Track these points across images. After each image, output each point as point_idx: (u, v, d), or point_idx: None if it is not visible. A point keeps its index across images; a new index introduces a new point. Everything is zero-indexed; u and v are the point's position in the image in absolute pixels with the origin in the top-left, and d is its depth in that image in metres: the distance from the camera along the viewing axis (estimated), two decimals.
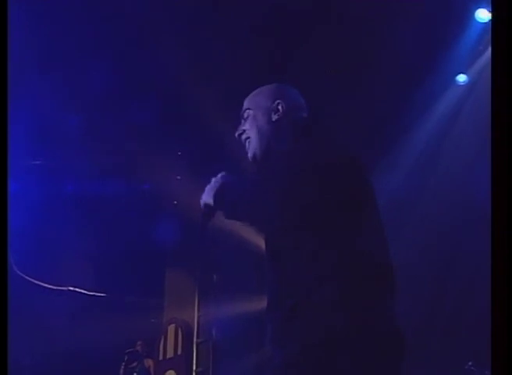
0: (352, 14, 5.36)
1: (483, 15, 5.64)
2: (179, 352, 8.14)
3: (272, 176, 2.13)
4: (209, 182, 2.35)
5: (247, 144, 2.41)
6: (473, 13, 5.68)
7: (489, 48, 5.65)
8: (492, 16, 2.22)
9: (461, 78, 6.28)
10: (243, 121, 2.47)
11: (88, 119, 6.21)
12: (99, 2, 5.13)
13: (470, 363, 5.04)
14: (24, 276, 6.45)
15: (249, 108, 2.45)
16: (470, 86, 6.22)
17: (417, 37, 5.49)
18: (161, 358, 8.19)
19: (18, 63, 4.29)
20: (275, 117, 2.39)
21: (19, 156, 5.72)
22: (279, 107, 2.40)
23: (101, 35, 5.36)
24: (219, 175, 2.37)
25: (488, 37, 5.41)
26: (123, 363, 7.57)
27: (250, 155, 2.37)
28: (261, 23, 5.37)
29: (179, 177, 6.94)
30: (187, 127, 6.42)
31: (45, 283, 6.75)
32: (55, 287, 6.80)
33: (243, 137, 2.43)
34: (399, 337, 2.04)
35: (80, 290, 6.96)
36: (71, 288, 6.84)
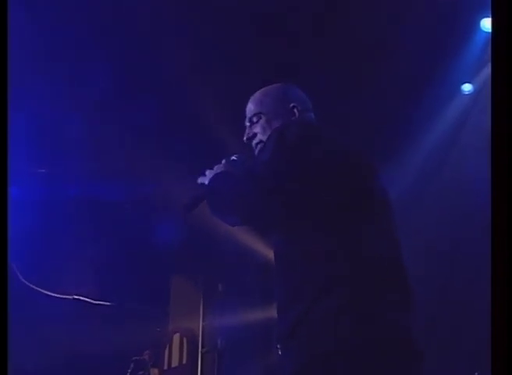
0: (355, 23, 5.37)
1: (489, 24, 5.64)
2: (184, 361, 8.12)
3: (280, 177, 2.08)
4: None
5: (258, 147, 2.38)
6: (478, 22, 5.69)
7: None
8: (492, 25, 2.21)
9: (466, 87, 6.28)
10: (249, 124, 2.43)
11: (90, 122, 6.22)
12: (100, 2, 5.15)
13: (476, 374, 5.00)
14: (28, 283, 6.44)
15: (260, 113, 2.40)
16: (475, 95, 6.22)
17: (421, 46, 5.50)
18: (165, 367, 8.17)
19: (18, 66, 4.30)
20: (287, 122, 2.35)
21: (20, 161, 5.73)
22: (295, 110, 2.37)
23: (103, 36, 5.37)
24: (223, 162, 2.33)
25: None
26: (129, 371, 7.56)
27: (263, 158, 2.30)
28: (262, 21, 5.37)
29: (183, 181, 6.93)
30: (190, 129, 6.42)
31: (49, 291, 6.74)
32: (59, 296, 6.79)
33: (255, 141, 2.40)
34: (414, 348, 1.99)
35: (84, 298, 6.94)
36: (76, 297, 6.83)
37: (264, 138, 2.35)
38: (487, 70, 5.94)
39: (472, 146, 6.05)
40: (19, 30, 4.49)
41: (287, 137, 2.19)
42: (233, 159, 2.37)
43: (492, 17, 2.21)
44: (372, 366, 1.89)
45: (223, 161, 2.35)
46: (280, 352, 2.08)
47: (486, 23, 5.63)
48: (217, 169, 2.31)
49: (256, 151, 2.38)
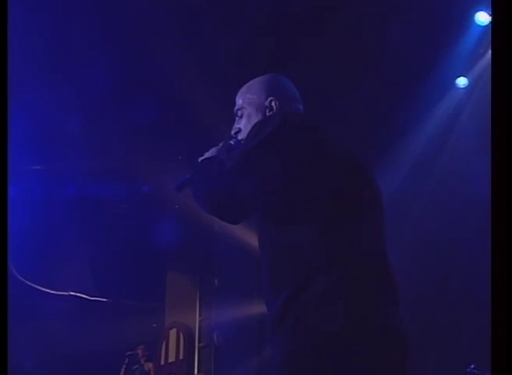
0: (350, 17, 5.37)
1: (483, 18, 5.65)
2: (181, 357, 8.12)
3: (262, 169, 2.09)
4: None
5: (242, 142, 2.38)
6: (473, 16, 5.69)
7: (489, 51, 5.66)
8: (492, 20, 2.21)
9: (461, 81, 6.28)
10: (237, 119, 2.44)
11: (89, 121, 6.21)
12: (100, 2, 5.14)
13: (472, 366, 5.01)
14: (24, 280, 6.44)
15: (243, 107, 2.41)
16: (470, 89, 6.23)
17: (416, 40, 5.50)
18: (162, 362, 8.17)
19: (18, 66, 4.29)
20: (269, 114, 2.35)
21: (19, 159, 5.73)
22: (273, 104, 2.37)
23: (103, 36, 5.36)
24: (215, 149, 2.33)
25: (488, 39, 5.41)
26: (124, 366, 7.57)
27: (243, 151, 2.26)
28: (260, 21, 5.37)
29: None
30: (189, 130, 6.42)
31: (46, 287, 6.74)
32: (55, 292, 6.79)
33: (240, 136, 2.40)
34: (401, 337, 1.99)
35: (81, 294, 6.95)
36: (72, 293, 6.84)
37: (246, 132, 2.34)
38: (482, 64, 5.94)
39: (467, 139, 6.06)
40: (19, 30, 4.48)
41: (265, 131, 2.19)
42: (220, 149, 2.37)
43: (492, 11, 2.21)
44: (360, 353, 1.89)
45: (212, 149, 2.36)
46: (270, 342, 2.08)
47: (481, 17, 5.64)
48: (204, 156, 2.33)
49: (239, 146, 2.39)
